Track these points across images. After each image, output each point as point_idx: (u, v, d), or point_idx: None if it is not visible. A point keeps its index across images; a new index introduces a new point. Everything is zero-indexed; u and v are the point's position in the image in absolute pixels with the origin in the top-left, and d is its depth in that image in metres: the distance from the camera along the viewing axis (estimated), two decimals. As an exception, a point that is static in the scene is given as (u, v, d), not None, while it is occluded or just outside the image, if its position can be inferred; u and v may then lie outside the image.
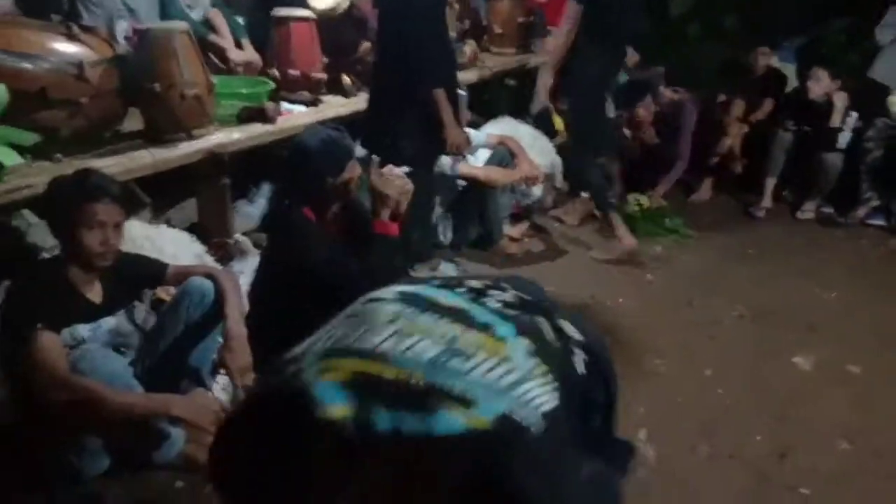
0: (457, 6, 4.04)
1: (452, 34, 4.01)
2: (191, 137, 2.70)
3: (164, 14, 3.12)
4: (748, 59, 4.87)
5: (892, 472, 2.46)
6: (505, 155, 3.89)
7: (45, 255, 2.49)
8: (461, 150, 3.21)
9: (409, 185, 2.51)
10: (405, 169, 2.70)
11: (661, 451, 2.47)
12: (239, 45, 3.49)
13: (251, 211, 3.34)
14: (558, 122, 4.56)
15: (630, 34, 4.01)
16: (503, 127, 4.23)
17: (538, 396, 0.49)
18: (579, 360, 0.55)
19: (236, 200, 3.34)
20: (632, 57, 5.43)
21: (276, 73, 3.29)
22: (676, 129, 4.64)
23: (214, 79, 2.89)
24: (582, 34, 3.65)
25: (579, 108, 3.91)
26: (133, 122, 2.81)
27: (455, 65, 3.21)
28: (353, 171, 2.43)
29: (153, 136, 2.70)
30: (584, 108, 3.85)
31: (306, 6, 3.44)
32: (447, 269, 3.63)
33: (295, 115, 3.12)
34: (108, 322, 2.16)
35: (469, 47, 4.36)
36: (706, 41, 5.93)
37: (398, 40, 2.91)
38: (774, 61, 4.88)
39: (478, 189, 3.75)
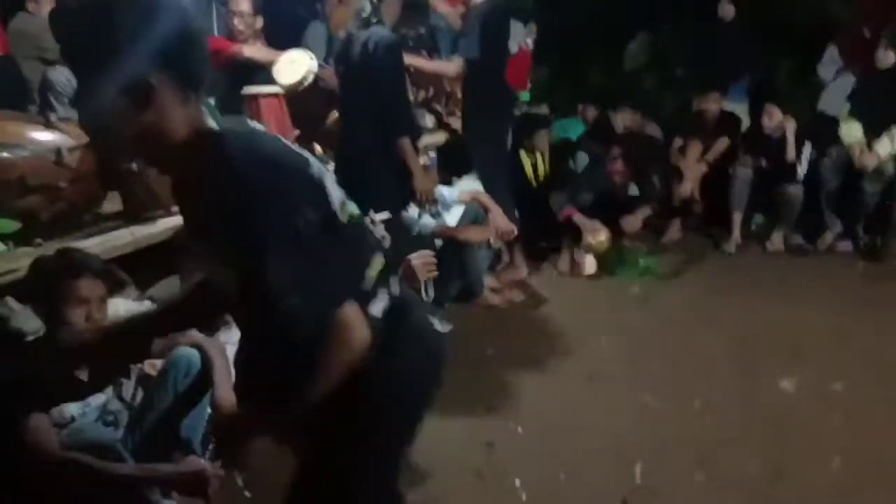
0: (411, 70, 4.20)
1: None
2: (169, 213, 2.76)
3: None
4: (700, 105, 5.08)
5: (885, 483, 2.48)
6: (478, 211, 3.99)
7: (30, 340, 2.49)
8: (429, 196, 3.29)
9: (385, 234, 2.59)
10: (385, 215, 2.79)
11: (657, 482, 2.48)
12: None
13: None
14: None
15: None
16: (474, 183, 4.34)
17: None
18: None
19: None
20: (590, 111, 5.67)
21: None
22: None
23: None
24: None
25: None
26: (113, 202, 2.86)
27: (414, 117, 3.33)
28: None
29: (133, 214, 2.76)
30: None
31: (275, 82, 3.56)
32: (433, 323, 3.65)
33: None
34: (97, 399, 2.15)
35: (433, 114, 4.52)
36: (661, 91, 6.20)
37: (361, 95, 3.05)
38: (725, 105, 5.10)
39: (455, 246, 3.83)
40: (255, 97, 3.40)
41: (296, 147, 1.30)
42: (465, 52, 4.04)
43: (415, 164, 3.16)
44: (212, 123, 1.23)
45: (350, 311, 1.20)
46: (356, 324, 1.21)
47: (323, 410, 1.25)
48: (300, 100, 3.62)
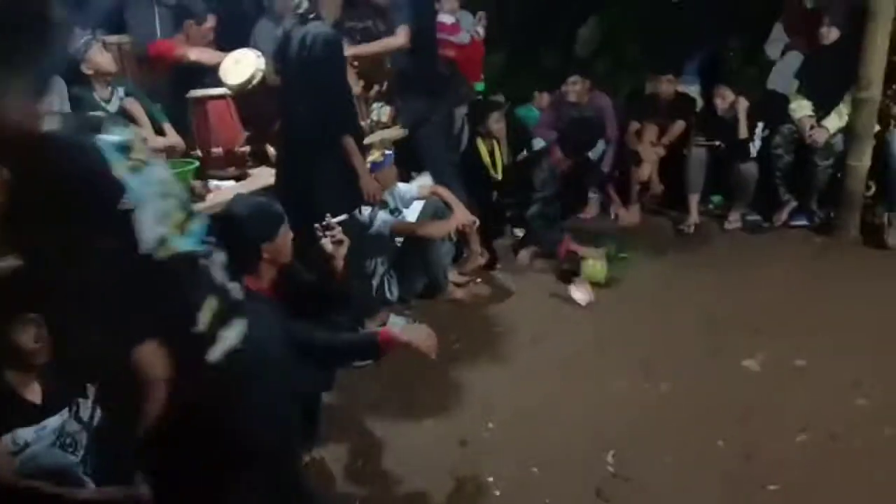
0: (356, 64, 4.15)
1: (356, 91, 4.12)
2: None
3: (77, 109, 3.09)
4: (655, 88, 5.11)
5: (850, 454, 2.53)
6: (438, 204, 3.95)
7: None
8: (376, 197, 3.26)
9: (343, 237, 2.55)
10: (342, 217, 2.73)
11: (629, 469, 2.49)
12: (160, 132, 3.49)
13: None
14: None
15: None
16: (429, 178, 4.32)
17: None
18: None
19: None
20: (545, 98, 5.67)
21: (199, 152, 3.29)
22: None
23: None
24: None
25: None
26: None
27: (356, 116, 3.26)
28: (286, 234, 2.44)
29: None
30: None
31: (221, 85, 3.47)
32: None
33: (223, 191, 3.12)
34: (53, 422, 2.07)
35: (387, 108, 4.46)
36: (614, 75, 6.21)
37: (301, 93, 2.97)
38: (679, 86, 5.14)
39: (417, 242, 3.79)
40: (201, 100, 3.31)
41: (127, 174, 1.25)
42: (402, 19, 4.00)
43: (359, 164, 3.08)
44: (49, 125, 1.20)
45: (146, 350, 1.20)
46: (151, 364, 1.20)
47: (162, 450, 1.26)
48: (249, 100, 3.53)
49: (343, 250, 2.70)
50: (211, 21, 3.83)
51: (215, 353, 1.27)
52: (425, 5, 4.30)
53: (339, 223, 2.73)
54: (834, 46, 4.52)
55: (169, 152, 3.39)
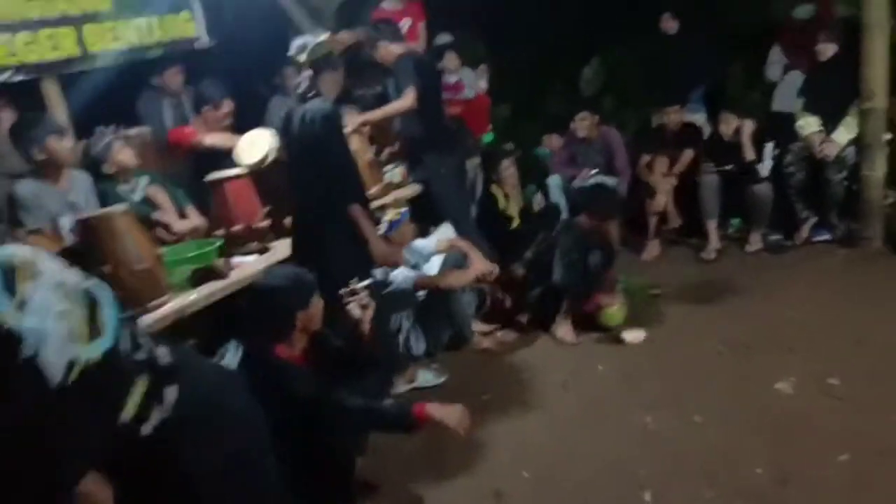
0: (366, 130, 4.32)
1: (368, 156, 4.26)
2: (147, 310, 2.77)
3: (104, 203, 3.26)
4: (661, 119, 5.18)
5: (890, 473, 2.47)
6: (458, 257, 4.01)
7: None
8: (388, 262, 3.33)
9: (369, 301, 2.63)
10: (367, 282, 2.82)
11: (668, 505, 2.47)
12: (183, 215, 3.65)
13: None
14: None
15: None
16: (449, 231, 4.40)
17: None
18: None
19: (207, 360, 3.37)
20: (554, 139, 5.78)
21: (221, 231, 3.42)
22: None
23: (162, 250, 3.01)
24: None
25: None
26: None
27: (361, 184, 3.37)
28: (318, 303, 2.53)
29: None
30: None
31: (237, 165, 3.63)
32: (427, 376, 3.66)
33: (246, 266, 3.23)
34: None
35: (399, 168, 4.59)
36: (621, 111, 6.30)
37: (306, 167, 3.11)
38: (685, 116, 5.20)
39: (440, 295, 3.84)
40: (219, 182, 3.46)
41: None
42: (408, 82, 4.17)
43: (368, 230, 3.19)
44: None
45: (88, 485, 1.20)
46: (96, 494, 1.21)
47: None
48: (267, 176, 3.67)
49: (370, 314, 2.79)
50: (227, 106, 4.01)
51: (147, 429, 1.26)
52: (428, 67, 4.49)
53: (365, 287, 2.81)
54: (833, 61, 4.57)
55: (192, 234, 3.53)
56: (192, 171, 4.00)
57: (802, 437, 2.75)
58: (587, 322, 3.96)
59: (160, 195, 3.60)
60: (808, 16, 5.06)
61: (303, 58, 3.05)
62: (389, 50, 4.33)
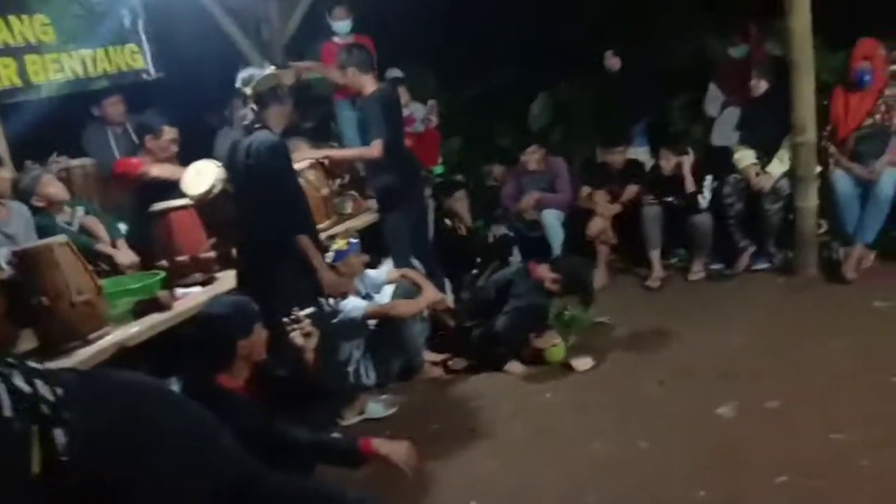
0: (323, 164, 4.34)
1: (324, 191, 4.27)
2: (87, 343, 2.71)
3: (43, 235, 3.19)
4: (606, 157, 5.31)
5: (829, 489, 2.55)
6: (408, 287, 4.02)
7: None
8: (335, 290, 3.30)
9: (312, 329, 2.62)
10: (309, 310, 2.80)
11: (614, 531, 2.49)
12: (115, 247, 3.61)
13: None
14: None
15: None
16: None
17: None
18: None
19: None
20: (498, 170, 5.92)
21: (164, 263, 3.37)
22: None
23: (103, 282, 2.95)
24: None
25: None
26: (28, 341, 2.79)
27: (309, 215, 3.34)
28: (261, 332, 2.51)
29: (49, 349, 2.69)
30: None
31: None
32: (376, 408, 3.63)
33: (191, 297, 3.19)
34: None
35: (350, 199, 4.61)
36: (567, 145, 6.45)
37: (252, 198, 3.10)
38: (630, 153, 5.37)
39: (390, 324, 3.84)
40: (164, 212, 3.41)
41: None
42: (378, 133, 4.18)
43: (316, 260, 3.16)
44: None
45: None
46: None
47: None
48: (213, 206, 3.64)
49: (313, 342, 2.77)
50: (170, 133, 3.94)
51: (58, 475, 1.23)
52: (395, 102, 4.47)
53: (307, 316, 2.80)
54: (766, 97, 4.78)
55: (131, 268, 3.48)
56: (137, 202, 3.94)
57: (743, 459, 2.81)
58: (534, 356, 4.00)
59: (96, 225, 3.56)
60: (742, 55, 5.30)
61: (249, 90, 3.05)
62: (360, 80, 4.25)
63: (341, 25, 5.26)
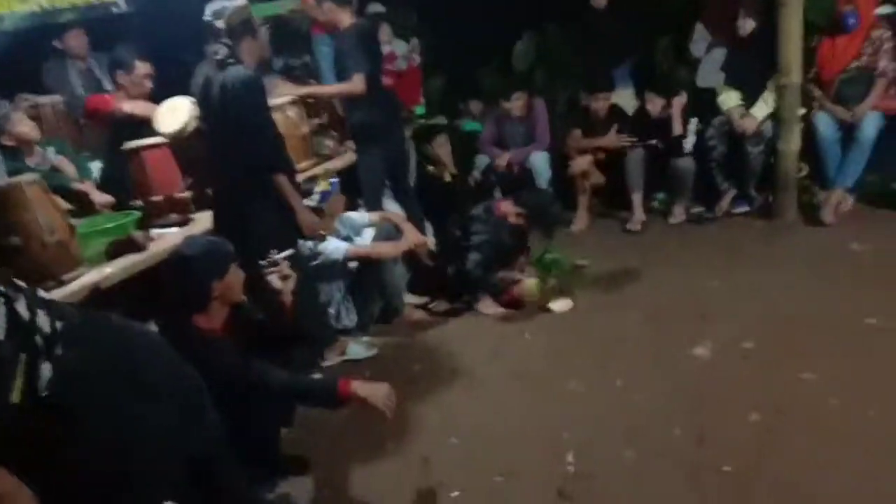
0: (303, 102, 4.23)
1: (304, 129, 4.17)
2: (61, 283, 2.66)
3: (14, 175, 3.10)
4: (590, 103, 5.21)
5: (797, 427, 2.62)
6: (390, 229, 4.00)
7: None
8: (315, 231, 3.23)
9: (290, 272, 2.60)
10: (287, 252, 2.76)
11: (590, 467, 2.55)
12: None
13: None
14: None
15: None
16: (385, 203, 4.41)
17: None
18: None
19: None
20: (475, 105, 5.84)
21: (139, 202, 3.31)
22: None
23: (77, 221, 2.89)
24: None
25: None
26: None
27: (284, 152, 3.21)
28: (236, 273, 2.48)
29: (24, 289, 2.65)
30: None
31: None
32: (357, 349, 3.65)
33: (166, 238, 3.13)
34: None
35: (330, 139, 4.52)
36: (552, 86, 6.35)
37: (226, 136, 3.00)
38: (614, 98, 5.28)
39: (371, 266, 3.83)
40: (136, 151, 3.33)
41: None
42: (357, 67, 4.07)
43: (294, 199, 3.08)
44: None
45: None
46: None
47: None
48: (188, 146, 3.55)
49: (290, 285, 2.75)
50: (143, 68, 3.79)
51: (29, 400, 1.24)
52: (373, 39, 4.38)
53: (285, 258, 2.76)
54: (753, 38, 4.71)
55: (107, 208, 3.41)
56: (111, 140, 3.84)
57: (717, 398, 2.87)
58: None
59: (67, 166, 3.46)
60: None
61: (220, 23, 2.93)
62: (337, 14, 4.13)
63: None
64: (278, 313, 2.75)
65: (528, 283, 4.01)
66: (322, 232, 3.41)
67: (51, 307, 1.32)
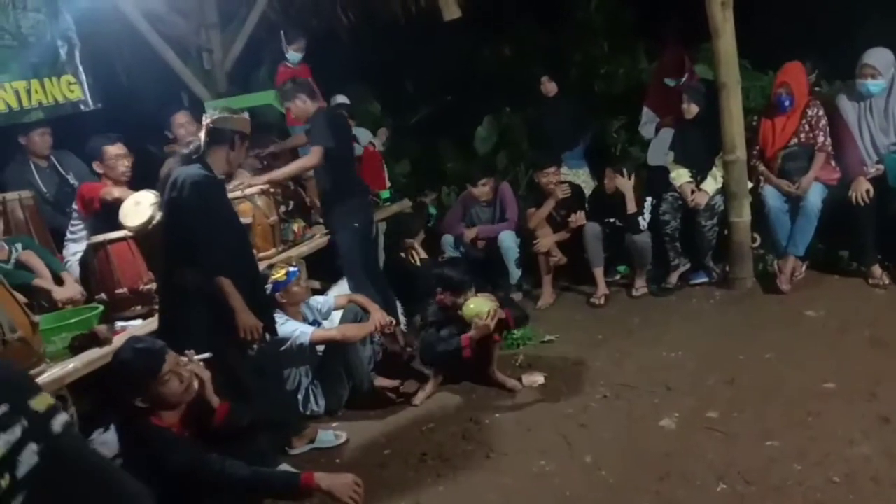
0: (273, 191, 4.33)
1: (273, 217, 4.25)
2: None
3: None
4: (540, 178, 5.31)
5: (765, 495, 2.64)
6: (357, 311, 4.02)
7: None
8: (254, 335, 3.07)
9: (204, 373, 2.58)
10: (205, 356, 2.70)
11: (560, 546, 2.52)
12: (60, 281, 3.50)
13: (107, 438, 3.20)
14: None
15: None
16: (345, 287, 4.44)
17: None
18: None
19: (92, 432, 3.20)
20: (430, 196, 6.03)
21: (103, 296, 3.31)
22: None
23: (39, 317, 2.88)
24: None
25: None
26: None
27: (246, 251, 3.21)
28: (173, 365, 2.43)
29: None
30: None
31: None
32: (327, 437, 3.60)
33: (131, 330, 3.13)
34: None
35: (296, 224, 4.60)
36: (513, 168, 6.59)
37: (175, 234, 3.01)
38: (567, 173, 5.50)
39: (338, 350, 3.83)
40: (101, 245, 3.35)
41: None
42: (318, 140, 4.24)
43: (235, 302, 2.97)
44: None
45: None
46: None
47: None
48: (153, 236, 3.57)
49: (194, 388, 2.56)
50: (113, 149, 3.85)
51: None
52: (342, 121, 4.67)
53: (200, 360, 2.68)
54: (698, 118, 4.97)
55: (72, 302, 3.40)
56: (101, 225, 3.83)
57: (685, 469, 2.88)
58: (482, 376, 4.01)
59: (34, 260, 3.47)
60: (674, 82, 5.50)
61: (207, 119, 3.01)
62: (305, 105, 4.44)
63: (295, 56, 5.63)
64: (243, 404, 2.73)
65: (466, 306, 3.81)
66: (259, 334, 3.16)
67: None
